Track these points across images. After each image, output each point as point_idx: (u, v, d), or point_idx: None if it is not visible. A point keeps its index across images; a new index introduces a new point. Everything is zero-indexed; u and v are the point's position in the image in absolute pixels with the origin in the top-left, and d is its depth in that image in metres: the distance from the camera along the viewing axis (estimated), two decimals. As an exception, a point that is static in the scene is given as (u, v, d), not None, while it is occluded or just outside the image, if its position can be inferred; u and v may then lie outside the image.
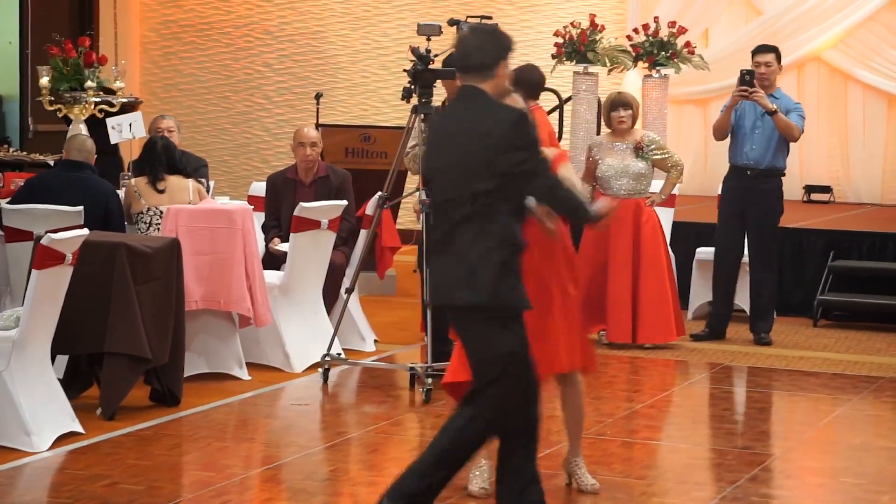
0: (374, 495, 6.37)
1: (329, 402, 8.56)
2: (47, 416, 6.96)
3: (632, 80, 13.93)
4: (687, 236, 11.44)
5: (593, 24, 13.11)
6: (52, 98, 10.36)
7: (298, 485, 6.53)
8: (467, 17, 11.07)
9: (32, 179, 9.18)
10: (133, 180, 9.13)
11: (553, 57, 13.25)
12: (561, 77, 13.89)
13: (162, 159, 9.06)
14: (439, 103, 8.80)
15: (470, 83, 5.47)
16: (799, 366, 9.68)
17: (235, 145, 16.67)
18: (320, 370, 8.70)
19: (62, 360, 7.79)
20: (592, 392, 8.08)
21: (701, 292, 11.13)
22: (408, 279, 11.89)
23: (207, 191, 9.69)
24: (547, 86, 14.50)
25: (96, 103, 10.35)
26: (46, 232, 6.88)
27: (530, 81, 10.02)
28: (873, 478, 6.71)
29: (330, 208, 9.20)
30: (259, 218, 9.63)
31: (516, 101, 5.80)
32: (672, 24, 13.10)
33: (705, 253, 11.10)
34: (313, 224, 9.05)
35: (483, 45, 5.47)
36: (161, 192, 8.96)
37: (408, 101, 8.70)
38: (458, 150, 5.40)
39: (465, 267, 5.30)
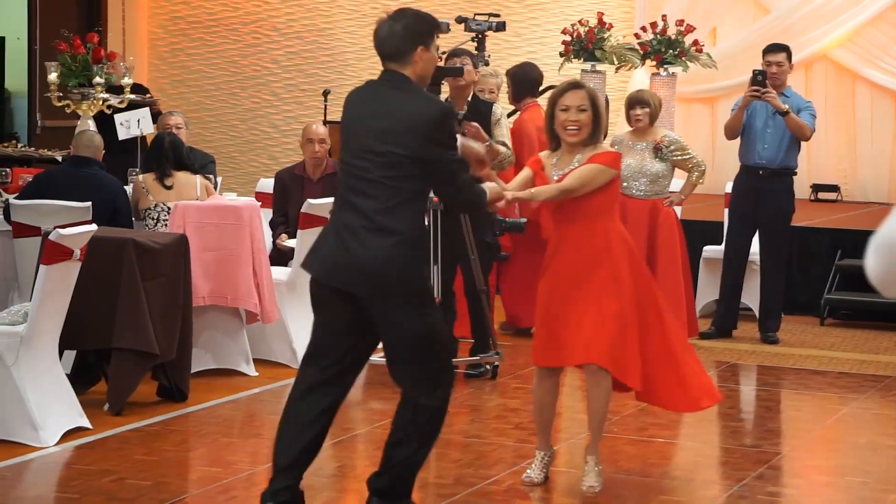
0: (381, 492, 6.38)
1: (336, 398, 8.54)
2: (55, 412, 6.97)
3: (639, 79, 13.92)
4: (694, 234, 11.45)
5: (601, 23, 13.12)
6: (61, 94, 10.38)
7: (305, 481, 6.51)
8: (475, 14, 11.08)
9: (40, 175, 9.21)
10: (141, 176, 9.15)
11: (561, 55, 13.26)
12: (569, 75, 13.88)
13: (169, 155, 9.07)
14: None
15: (392, 68, 5.43)
16: (806, 364, 9.68)
17: (243, 142, 16.68)
18: (327, 367, 8.68)
19: (70, 355, 7.81)
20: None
21: (708, 291, 11.13)
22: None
23: (215, 187, 9.71)
24: (554, 84, 14.56)
25: (110, 106, 10.37)
26: (55, 227, 6.89)
27: (528, 79, 10.04)
28: (880, 476, 6.71)
29: (337, 205, 9.19)
30: (266, 214, 9.64)
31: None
32: (680, 22, 13.10)
33: (712, 251, 11.10)
34: (321, 221, 9.03)
35: (397, 31, 5.39)
36: (169, 188, 8.97)
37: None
38: (377, 129, 5.37)
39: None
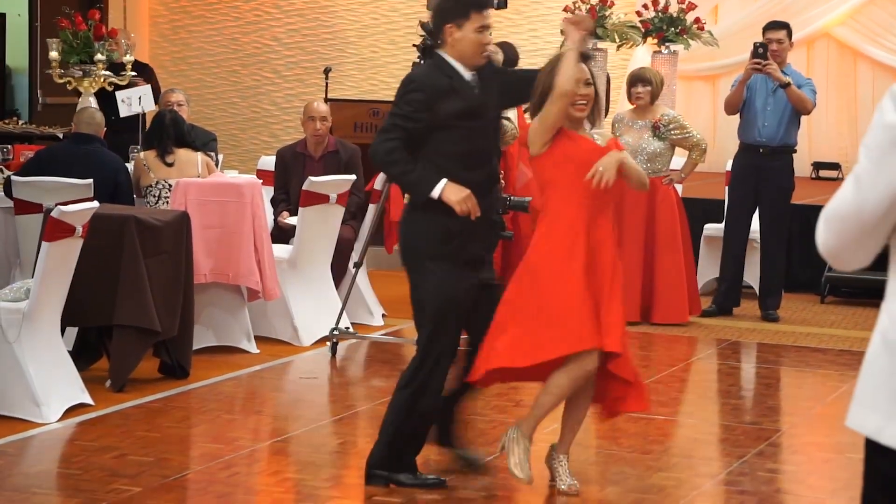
0: (382, 468, 6.41)
1: (337, 375, 8.59)
2: (57, 388, 6.99)
3: (641, 57, 13.90)
4: (695, 212, 11.44)
5: (603, 0, 13.09)
6: (62, 71, 10.37)
7: (307, 457, 6.57)
8: (477, -9, 11.02)
9: (42, 151, 9.21)
10: (142, 153, 9.15)
11: (562, 33, 13.22)
12: (570, 52, 13.87)
13: (170, 133, 9.07)
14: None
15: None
16: (806, 342, 9.69)
17: (244, 119, 16.67)
18: (328, 344, 8.73)
19: (71, 332, 7.83)
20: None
21: (709, 269, 11.13)
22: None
23: (216, 164, 9.71)
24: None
25: (112, 83, 10.36)
26: (56, 204, 6.90)
27: (506, 59, 10.10)
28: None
29: (339, 183, 9.21)
30: (268, 192, 9.65)
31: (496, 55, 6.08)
32: (682, 0, 13.07)
33: (713, 229, 11.11)
34: (322, 198, 9.06)
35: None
36: (170, 165, 8.98)
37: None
38: None
39: None
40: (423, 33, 8.49)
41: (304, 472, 6.33)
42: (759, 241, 10.51)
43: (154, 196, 8.93)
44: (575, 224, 5.82)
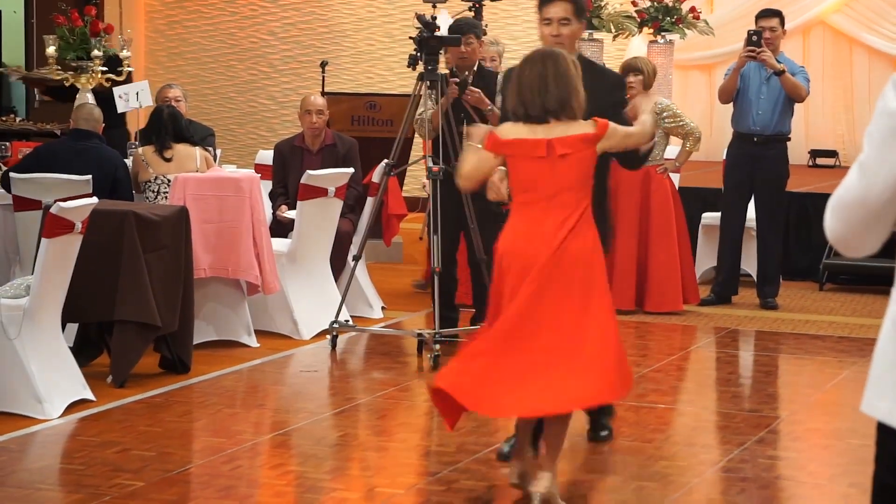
0: (384, 460, 6.45)
1: (337, 368, 8.60)
2: (58, 384, 7.01)
3: (637, 46, 13.93)
4: (692, 201, 11.46)
5: (598, -10, 13.09)
6: (59, 67, 10.38)
7: (308, 450, 6.59)
8: (472, -17, 11.06)
9: (40, 148, 9.21)
10: (140, 149, 9.16)
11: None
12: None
13: (168, 128, 9.07)
14: (446, 70, 8.82)
15: None
16: (805, 329, 9.72)
17: (241, 114, 16.68)
18: (328, 337, 8.74)
19: (72, 328, 7.84)
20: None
21: (707, 257, 11.16)
22: (414, 246, 11.92)
23: (214, 159, 9.72)
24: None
25: (109, 79, 10.37)
26: (55, 201, 6.91)
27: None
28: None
29: (337, 176, 9.23)
30: (266, 186, 9.66)
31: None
32: (677, -11, 13.08)
33: (710, 218, 11.12)
34: (320, 192, 9.08)
35: None
36: (168, 160, 8.99)
37: (413, 69, 8.72)
38: None
39: None
40: (420, 26, 8.51)
41: (306, 464, 6.35)
42: (756, 229, 10.53)
43: (153, 191, 8.94)
44: None
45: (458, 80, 8.50)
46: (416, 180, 12.91)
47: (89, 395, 7.18)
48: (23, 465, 6.27)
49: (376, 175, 9.54)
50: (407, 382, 7.99)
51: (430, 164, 8.33)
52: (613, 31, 13.13)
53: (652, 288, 10.05)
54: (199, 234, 8.32)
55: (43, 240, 6.85)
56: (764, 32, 10.20)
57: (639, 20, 13.03)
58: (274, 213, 9.69)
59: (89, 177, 8.40)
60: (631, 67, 10.02)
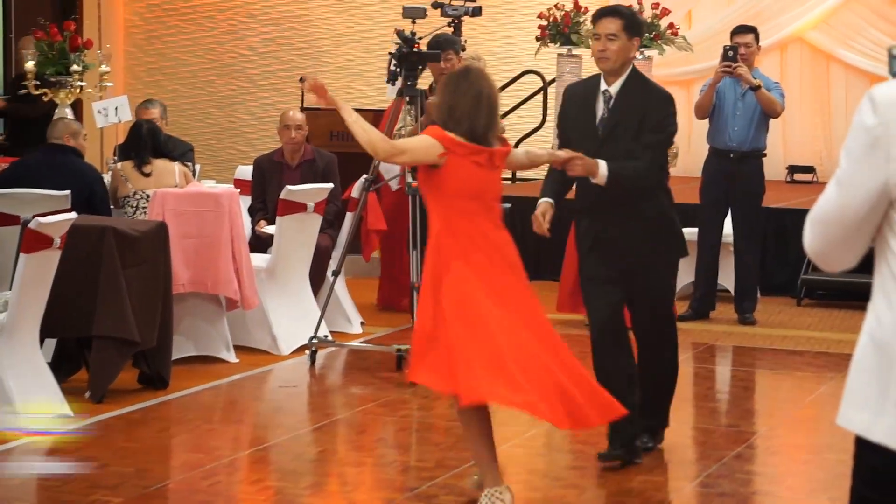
0: (362, 475, 6.45)
1: (316, 384, 8.60)
2: (36, 399, 6.98)
3: (615, 62, 13.93)
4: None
5: (577, 6, 13.15)
6: (38, 82, 10.37)
7: (287, 466, 6.58)
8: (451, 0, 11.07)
9: (16, 163, 9.18)
10: (119, 164, 9.15)
11: (537, 39, 13.29)
12: (545, 59, 13.95)
13: (147, 143, 9.07)
14: (426, 86, 8.84)
15: None
16: (783, 344, 9.74)
17: (220, 129, 16.68)
18: (307, 352, 8.74)
19: (50, 343, 7.82)
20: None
21: (684, 273, 11.14)
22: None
23: (193, 174, 9.71)
24: (530, 68, 14.61)
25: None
26: (34, 216, 6.90)
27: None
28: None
29: (316, 191, 9.23)
30: (245, 201, 9.66)
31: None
32: (655, 5, 13.13)
33: (688, 234, 11.05)
34: (300, 207, 9.08)
35: None
36: (147, 175, 8.98)
37: (393, 84, 8.73)
38: None
39: None
40: (399, 41, 8.52)
41: (284, 480, 6.34)
42: (733, 244, 10.56)
43: (132, 206, 8.93)
44: None
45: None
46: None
47: (67, 411, 7.16)
48: (0, 482, 6.25)
49: (356, 190, 9.54)
50: (386, 398, 7.98)
51: (409, 179, 8.33)
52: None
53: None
54: (178, 249, 8.31)
55: (21, 255, 6.84)
56: (739, 48, 10.25)
57: (617, 36, 13.05)
58: (253, 229, 9.69)
59: (68, 192, 8.38)
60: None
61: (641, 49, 13.06)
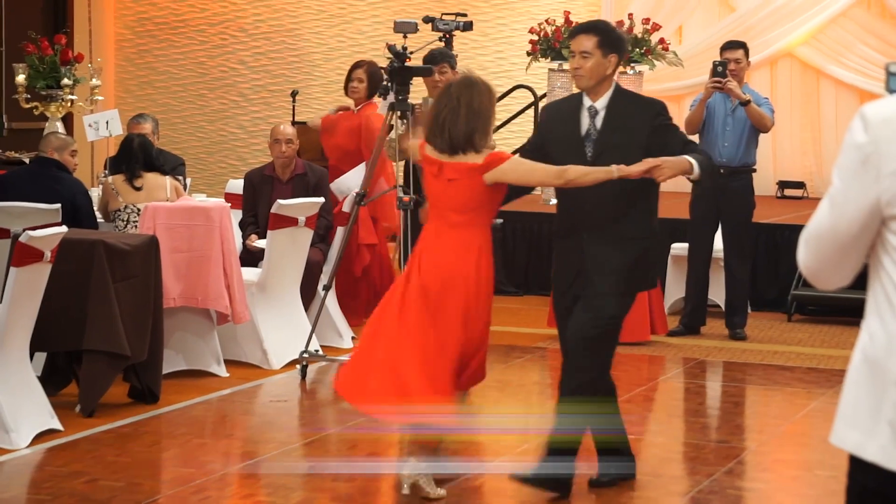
0: (353, 491, 6.43)
1: (307, 398, 8.59)
2: (26, 414, 6.97)
3: (606, 77, 13.95)
4: (660, 232, 11.47)
5: (568, 22, 13.17)
6: (29, 96, 10.37)
7: (278, 480, 6.57)
8: (442, 14, 11.11)
9: (2, 176, 9.17)
10: (110, 178, 9.14)
11: (528, 54, 13.31)
12: (536, 74, 13.96)
13: (139, 157, 9.07)
14: (419, 101, 8.85)
15: None
16: (773, 360, 9.75)
17: (211, 143, 16.68)
18: (298, 367, 8.73)
19: (40, 357, 7.81)
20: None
21: (675, 288, 11.19)
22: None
23: (184, 188, 9.71)
24: (521, 83, 14.63)
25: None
26: (24, 229, 6.89)
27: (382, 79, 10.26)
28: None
29: (307, 205, 9.23)
30: (236, 215, 9.66)
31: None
32: (646, 20, 13.17)
33: (679, 248, 11.16)
34: (291, 221, 9.08)
35: None
36: (138, 189, 8.98)
37: (384, 98, 8.74)
38: None
39: None
40: (390, 56, 8.53)
41: (275, 494, 6.33)
42: (723, 260, 10.57)
43: (122, 220, 8.93)
44: None
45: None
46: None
47: (57, 425, 7.14)
48: (-10, 496, 6.24)
49: (347, 205, 9.54)
50: (376, 412, 7.97)
51: (401, 193, 8.34)
52: (583, 62, 13.17)
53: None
54: (169, 263, 8.31)
55: (12, 269, 6.82)
56: (729, 64, 10.28)
57: (608, 51, 13.08)
58: (244, 243, 9.69)
59: (58, 206, 8.37)
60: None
61: (632, 64, 13.11)
